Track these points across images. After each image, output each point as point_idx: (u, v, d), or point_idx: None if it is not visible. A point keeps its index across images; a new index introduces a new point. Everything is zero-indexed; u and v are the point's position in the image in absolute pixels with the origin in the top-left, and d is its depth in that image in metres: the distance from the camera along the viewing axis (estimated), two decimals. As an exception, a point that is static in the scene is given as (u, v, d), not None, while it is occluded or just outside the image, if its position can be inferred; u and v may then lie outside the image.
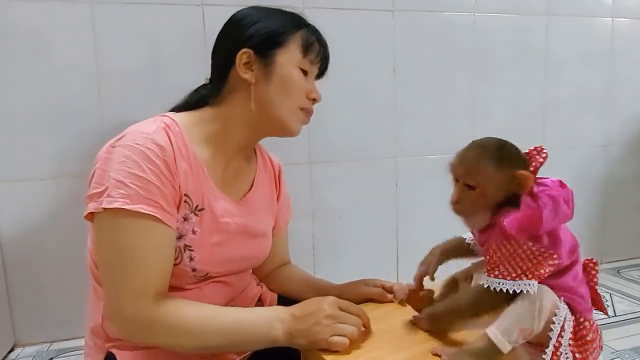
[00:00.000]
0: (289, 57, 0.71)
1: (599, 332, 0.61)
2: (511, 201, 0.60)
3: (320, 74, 0.78)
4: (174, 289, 0.67)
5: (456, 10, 1.42)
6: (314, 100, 0.76)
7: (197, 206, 0.68)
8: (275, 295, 0.89)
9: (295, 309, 0.64)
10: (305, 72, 0.74)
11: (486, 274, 0.59)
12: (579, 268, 0.62)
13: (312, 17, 0.76)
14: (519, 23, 1.49)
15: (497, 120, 1.50)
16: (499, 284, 0.57)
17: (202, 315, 0.63)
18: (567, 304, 0.59)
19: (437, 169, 1.43)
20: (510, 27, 1.48)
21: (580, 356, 0.58)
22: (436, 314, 0.65)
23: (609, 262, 1.68)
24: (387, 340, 0.66)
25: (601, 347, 0.61)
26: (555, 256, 0.57)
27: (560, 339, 0.57)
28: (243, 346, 0.67)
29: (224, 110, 0.73)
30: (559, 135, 1.58)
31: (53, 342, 1.19)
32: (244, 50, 0.70)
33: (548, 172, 1.58)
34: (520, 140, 1.62)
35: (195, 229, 0.68)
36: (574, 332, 0.58)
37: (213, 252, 0.70)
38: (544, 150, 0.65)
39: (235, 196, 0.76)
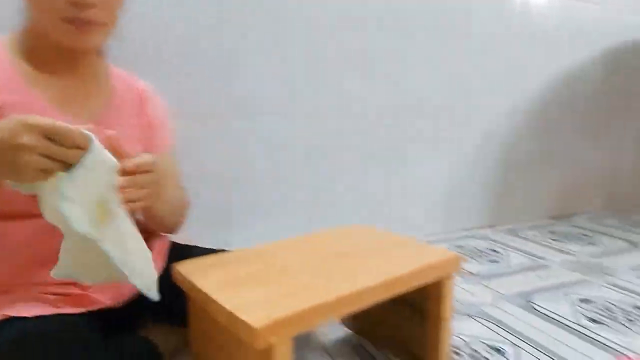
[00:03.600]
0: None
1: None
2: None
3: None
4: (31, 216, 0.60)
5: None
6: (78, 5, 0.63)
7: None
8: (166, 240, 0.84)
9: None
10: None
11: None
12: None
13: None
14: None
15: (412, 88, 1.52)
16: None
17: None
18: None
19: (354, 130, 1.42)
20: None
21: None
22: None
23: (507, 224, 1.80)
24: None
25: None
26: None
27: None
28: None
29: (25, 30, 0.68)
30: (468, 104, 1.64)
31: None
32: None
33: (458, 139, 1.61)
34: (432, 107, 1.66)
35: None
36: None
37: None
38: None
39: (85, 116, 0.69)
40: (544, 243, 1.57)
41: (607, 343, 0.91)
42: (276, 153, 1.35)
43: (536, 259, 1.40)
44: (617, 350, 0.88)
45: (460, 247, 1.51)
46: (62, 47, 0.67)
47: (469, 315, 1.02)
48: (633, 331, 0.96)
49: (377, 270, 0.69)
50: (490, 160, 1.74)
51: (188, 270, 0.70)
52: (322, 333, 0.95)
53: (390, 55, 1.47)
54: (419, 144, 1.58)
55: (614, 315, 1.03)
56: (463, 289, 1.17)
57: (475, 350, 0.88)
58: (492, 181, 1.76)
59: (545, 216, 1.92)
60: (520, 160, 1.80)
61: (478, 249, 1.50)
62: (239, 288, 0.63)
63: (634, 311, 1.05)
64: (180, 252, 0.83)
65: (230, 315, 0.56)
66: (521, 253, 1.46)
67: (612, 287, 1.19)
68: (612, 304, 1.09)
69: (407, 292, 0.70)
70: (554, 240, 1.61)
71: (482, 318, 1.01)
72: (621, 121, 2.05)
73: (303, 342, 0.92)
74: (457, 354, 0.87)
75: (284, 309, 0.55)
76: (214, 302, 0.60)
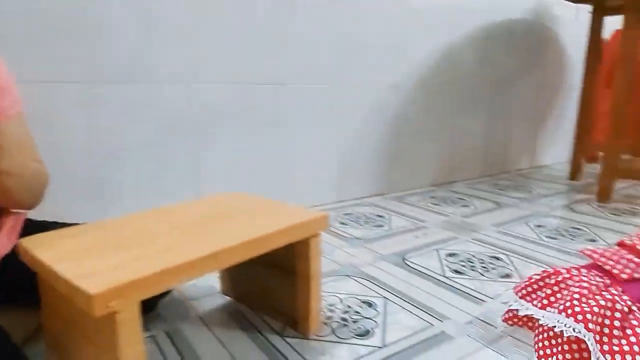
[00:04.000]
0: None
1: None
2: None
3: None
4: None
5: None
6: None
7: None
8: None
9: None
10: None
11: None
12: None
13: None
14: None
15: (301, 55, 1.53)
16: None
17: None
18: None
19: (243, 98, 1.40)
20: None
21: None
22: None
23: (395, 192, 1.91)
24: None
25: None
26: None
27: None
28: None
29: None
30: (356, 74, 1.69)
31: None
32: None
33: (347, 111, 1.63)
34: (321, 76, 1.69)
35: None
36: None
37: None
38: None
39: None
40: (424, 207, 1.70)
41: (465, 290, 1.02)
42: (152, 123, 1.28)
43: (417, 221, 1.51)
44: (473, 297, 0.99)
45: (348, 214, 1.58)
46: None
47: (348, 276, 1.08)
48: (487, 278, 1.08)
49: (240, 231, 0.69)
50: (378, 132, 1.82)
51: (33, 243, 0.64)
52: (199, 303, 0.94)
53: (273, 24, 1.45)
54: (306, 116, 1.60)
55: (473, 265, 1.15)
56: (347, 252, 1.23)
57: (348, 306, 0.93)
58: (380, 153, 1.85)
59: (430, 184, 2.07)
60: (407, 133, 1.91)
61: (365, 215, 1.57)
62: (85, 258, 0.59)
63: (489, 261, 1.19)
64: (38, 229, 0.76)
65: (69, 284, 0.52)
66: (404, 217, 1.56)
67: (475, 241, 1.33)
68: (473, 256, 1.21)
69: (277, 254, 0.71)
70: (433, 204, 1.74)
71: (359, 277, 1.07)
72: (494, 95, 2.26)
73: (179, 314, 0.90)
74: (332, 310, 0.91)
75: (127, 274, 0.53)
76: (53, 273, 0.55)
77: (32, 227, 0.78)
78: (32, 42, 1.06)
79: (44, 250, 0.61)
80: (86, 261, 0.58)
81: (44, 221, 0.84)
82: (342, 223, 1.48)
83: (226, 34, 1.36)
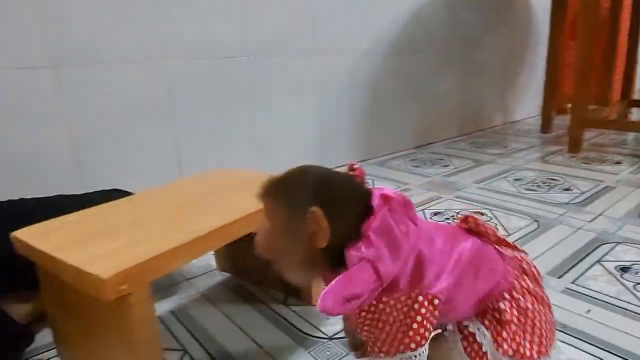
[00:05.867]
0: None
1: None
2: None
3: None
4: None
5: None
6: None
7: None
8: None
9: None
10: None
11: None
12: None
13: None
14: None
15: (269, 24, 1.49)
16: None
17: None
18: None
19: (209, 72, 1.38)
20: None
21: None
22: None
23: (376, 157, 1.94)
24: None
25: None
26: (429, 298, 0.45)
27: None
28: None
29: None
30: (327, 41, 1.67)
31: None
32: None
33: (322, 80, 1.63)
34: (290, 45, 1.67)
35: None
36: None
37: None
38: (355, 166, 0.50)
39: None
40: (406, 170, 1.73)
41: (454, 245, 1.06)
42: (125, 103, 1.24)
43: (400, 184, 1.54)
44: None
45: (333, 183, 1.60)
46: None
47: (341, 241, 1.10)
48: (473, 232, 1.12)
49: (233, 207, 0.69)
50: (355, 99, 1.82)
51: (28, 235, 0.63)
52: (199, 281, 0.95)
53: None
54: (281, 87, 1.58)
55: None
56: (336, 219, 1.25)
57: (345, 270, 0.95)
58: (359, 119, 1.85)
59: (409, 147, 2.10)
60: (383, 98, 1.92)
61: (350, 183, 1.59)
62: (85, 245, 0.58)
63: (474, 216, 1.23)
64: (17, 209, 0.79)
65: (76, 271, 0.52)
66: (387, 181, 1.59)
67: (458, 199, 1.37)
68: (457, 213, 1.25)
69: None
70: (415, 167, 1.78)
71: (352, 242, 1.09)
72: (464, 55, 2.28)
73: (181, 293, 0.90)
74: (330, 276, 0.93)
75: (134, 257, 0.53)
76: (58, 261, 0.55)
77: (11, 209, 0.78)
78: (-9, 28, 1.01)
79: (42, 240, 0.61)
80: (87, 248, 0.57)
81: (4, 201, 0.84)
82: (329, 192, 1.50)
83: (191, 7, 1.31)
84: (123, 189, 0.96)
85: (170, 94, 1.31)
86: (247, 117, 1.50)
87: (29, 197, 0.87)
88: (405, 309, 0.45)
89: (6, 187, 0.89)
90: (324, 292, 0.42)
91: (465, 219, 0.55)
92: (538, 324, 0.50)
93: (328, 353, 0.70)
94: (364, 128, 1.88)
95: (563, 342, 0.70)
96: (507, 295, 0.50)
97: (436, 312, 0.46)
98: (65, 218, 0.69)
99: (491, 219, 1.20)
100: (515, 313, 0.49)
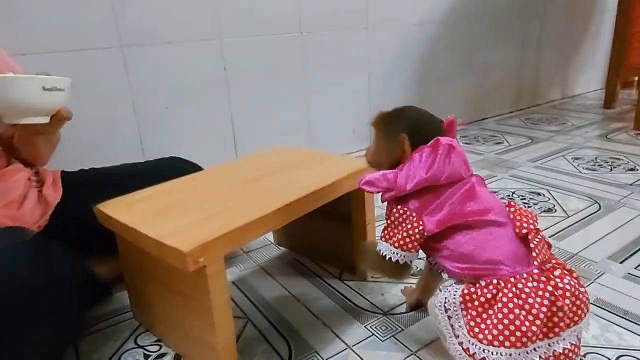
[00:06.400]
0: None
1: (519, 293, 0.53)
2: None
3: None
4: None
5: None
6: None
7: None
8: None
9: None
10: None
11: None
12: (478, 232, 0.57)
13: None
14: None
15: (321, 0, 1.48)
16: (381, 247, 0.62)
17: None
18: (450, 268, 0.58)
19: (263, 49, 1.40)
20: None
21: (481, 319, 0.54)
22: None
23: (426, 133, 1.91)
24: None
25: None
26: (415, 222, 0.59)
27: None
28: None
29: None
30: (380, 15, 1.64)
31: None
32: None
33: (372, 55, 1.61)
34: (343, 20, 1.65)
35: None
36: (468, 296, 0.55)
37: None
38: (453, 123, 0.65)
39: None
40: (458, 147, 1.70)
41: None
42: (181, 82, 1.29)
43: (451, 162, 1.52)
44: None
45: (383, 159, 1.60)
46: None
47: (392, 219, 1.11)
48: (529, 213, 1.10)
49: (299, 184, 0.72)
50: (405, 73, 1.79)
51: (110, 208, 0.69)
52: (257, 254, 1.00)
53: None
54: (331, 63, 1.57)
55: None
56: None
57: (401, 290, 0.97)
58: (408, 94, 1.82)
59: (460, 122, 2.05)
60: (434, 71, 1.87)
61: (400, 159, 1.59)
62: (164, 218, 0.63)
63: (529, 195, 1.20)
64: (76, 178, 0.87)
65: (158, 243, 0.57)
66: (438, 158, 1.57)
67: (513, 178, 1.34)
68: (513, 192, 1.23)
69: (331, 204, 0.74)
70: (466, 144, 1.74)
71: (404, 219, 1.10)
72: (523, 24, 2.16)
73: (241, 265, 0.96)
74: (383, 253, 0.95)
75: (211, 231, 0.57)
76: (140, 234, 0.60)
77: (70, 178, 0.86)
78: (53, 12, 1.06)
79: (123, 214, 0.66)
80: (166, 221, 0.62)
81: (79, 170, 0.92)
82: (378, 168, 1.50)
83: (250, -16, 1.32)
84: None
85: (226, 71, 1.34)
86: (298, 92, 1.52)
87: (107, 166, 0.94)
88: (400, 218, 0.61)
89: (80, 159, 0.96)
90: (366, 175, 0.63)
91: (509, 204, 0.61)
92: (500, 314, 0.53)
93: (384, 327, 0.73)
94: (412, 102, 1.84)
95: (625, 329, 0.69)
96: (494, 281, 0.54)
97: (417, 236, 0.59)
98: (143, 192, 0.74)
99: (549, 199, 1.17)
100: (488, 296, 0.54)
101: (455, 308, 0.56)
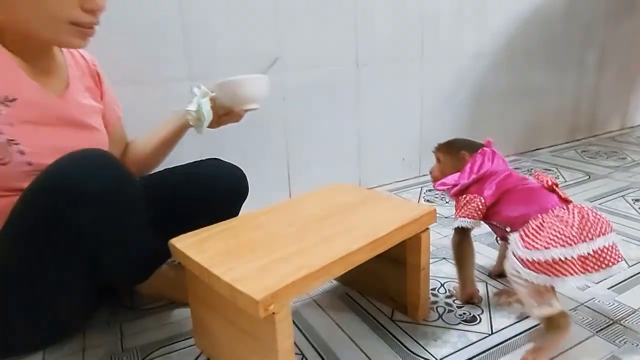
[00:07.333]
0: None
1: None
2: None
3: None
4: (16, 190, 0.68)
5: None
6: (94, 11, 0.70)
7: (6, 97, 0.68)
8: None
9: None
10: None
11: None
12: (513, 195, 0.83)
13: None
14: None
15: (379, 33, 1.52)
16: (454, 223, 0.88)
17: None
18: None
19: (320, 81, 1.45)
20: None
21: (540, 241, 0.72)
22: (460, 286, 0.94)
23: (477, 163, 1.89)
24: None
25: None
26: (477, 198, 0.84)
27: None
28: None
29: None
30: (435, 47, 1.65)
31: None
32: None
33: (427, 86, 1.64)
34: (399, 52, 1.67)
35: (12, 121, 0.68)
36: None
37: (43, 143, 0.71)
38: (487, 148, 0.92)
39: (56, 92, 0.76)
40: (509, 180, 1.67)
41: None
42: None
43: (503, 197, 1.50)
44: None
45: (432, 190, 1.60)
46: (43, 41, 0.73)
47: (444, 258, 1.12)
48: (587, 260, 1.07)
49: (363, 230, 0.75)
50: (458, 101, 1.79)
51: (183, 245, 0.74)
52: (311, 285, 1.03)
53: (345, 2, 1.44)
54: (385, 89, 1.60)
55: (571, 246, 1.14)
56: (438, 233, 1.26)
57: (449, 290, 0.98)
58: (461, 121, 1.82)
59: (513, 152, 2.01)
60: (486, 100, 1.86)
61: (449, 191, 1.58)
62: (234, 259, 0.67)
63: (588, 241, 1.17)
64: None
65: (231, 287, 0.61)
66: (489, 192, 1.55)
67: (570, 220, 1.30)
68: (570, 236, 1.20)
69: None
70: (519, 177, 1.71)
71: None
72: (581, 53, 2.10)
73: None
74: (434, 294, 0.96)
75: (281, 278, 0.61)
76: (213, 275, 0.64)
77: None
78: (133, 45, 1.15)
79: (196, 252, 0.71)
80: (237, 263, 0.66)
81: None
82: (427, 200, 1.51)
83: (303, 18, 1.37)
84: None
85: (285, 101, 1.40)
86: (351, 122, 1.55)
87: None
88: (465, 201, 0.86)
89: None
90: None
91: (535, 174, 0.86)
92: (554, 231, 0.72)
93: (437, 376, 0.74)
94: (464, 132, 1.84)
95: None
96: (539, 216, 0.76)
97: (481, 206, 0.84)
98: (211, 229, 0.79)
99: (607, 246, 1.13)
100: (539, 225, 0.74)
101: (516, 243, 0.74)
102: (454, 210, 0.89)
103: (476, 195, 0.85)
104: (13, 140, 0.68)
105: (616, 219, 1.29)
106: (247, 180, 0.99)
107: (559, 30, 1.97)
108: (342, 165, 1.57)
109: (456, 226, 0.86)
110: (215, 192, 0.93)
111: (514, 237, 0.76)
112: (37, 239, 0.65)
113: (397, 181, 1.69)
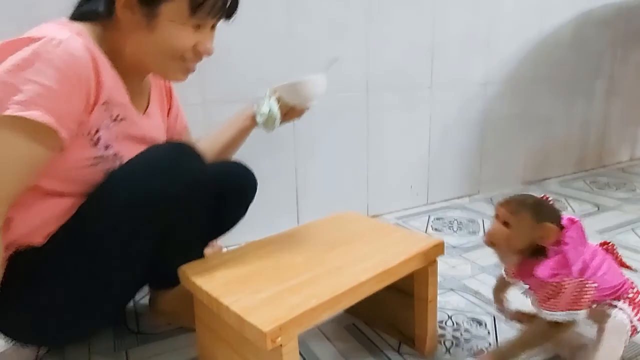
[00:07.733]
0: (175, 14, 0.71)
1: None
2: (539, 250, 0.73)
3: (227, 16, 0.78)
4: None
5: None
6: (202, 54, 0.77)
7: (117, 115, 0.74)
8: None
9: None
10: (198, 26, 0.74)
11: (541, 308, 0.73)
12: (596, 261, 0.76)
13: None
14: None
15: (389, 60, 1.54)
16: (552, 315, 0.72)
17: None
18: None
19: (330, 107, 1.47)
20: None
21: None
22: (502, 352, 0.77)
23: (484, 193, 1.89)
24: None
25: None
26: (590, 284, 0.72)
27: None
28: None
29: (111, 35, 0.73)
30: (443, 74, 1.67)
31: None
32: None
33: (435, 111, 1.65)
34: (408, 80, 1.69)
35: (118, 136, 0.75)
36: None
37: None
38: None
39: (140, 110, 0.83)
40: (518, 210, 1.66)
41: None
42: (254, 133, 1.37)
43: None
44: (582, 315, 0.98)
45: (439, 219, 1.60)
46: (151, 71, 0.81)
47: (452, 289, 1.11)
48: (597, 295, 1.06)
49: (370, 262, 0.75)
50: (466, 130, 1.80)
51: (193, 272, 0.75)
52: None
53: (363, 26, 1.47)
54: (394, 116, 1.61)
55: (580, 280, 1.13)
56: (446, 263, 1.25)
57: (457, 323, 0.97)
58: (468, 152, 1.83)
59: (520, 182, 2.01)
60: (494, 129, 1.87)
61: (457, 220, 1.58)
62: (242, 289, 0.68)
63: (598, 276, 1.16)
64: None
65: (239, 318, 0.61)
66: (497, 222, 1.55)
67: (579, 252, 1.29)
68: (579, 270, 1.19)
69: (395, 279, 0.76)
70: (527, 207, 1.70)
71: (463, 292, 1.10)
72: (589, 83, 2.12)
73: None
74: (442, 327, 0.95)
75: (289, 310, 0.61)
76: (222, 305, 0.65)
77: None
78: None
79: (205, 280, 0.72)
80: (245, 293, 0.67)
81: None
82: (436, 229, 1.51)
83: (316, 44, 1.41)
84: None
85: (295, 126, 1.42)
86: (359, 148, 1.57)
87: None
88: (579, 287, 0.71)
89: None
90: (542, 266, 0.72)
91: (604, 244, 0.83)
92: None
93: (444, 413, 0.73)
94: (472, 161, 1.85)
95: None
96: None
97: (592, 292, 0.72)
98: (221, 256, 0.80)
99: (617, 281, 1.12)
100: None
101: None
102: (541, 290, 0.73)
103: (586, 281, 0.71)
104: (117, 154, 0.75)
105: (626, 253, 1.28)
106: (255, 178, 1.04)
107: (567, 59, 2.00)
108: (351, 191, 1.58)
109: (562, 320, 0.72)
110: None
111: (621, 306, 0.75)
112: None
113: (405, 209, 1.70)
